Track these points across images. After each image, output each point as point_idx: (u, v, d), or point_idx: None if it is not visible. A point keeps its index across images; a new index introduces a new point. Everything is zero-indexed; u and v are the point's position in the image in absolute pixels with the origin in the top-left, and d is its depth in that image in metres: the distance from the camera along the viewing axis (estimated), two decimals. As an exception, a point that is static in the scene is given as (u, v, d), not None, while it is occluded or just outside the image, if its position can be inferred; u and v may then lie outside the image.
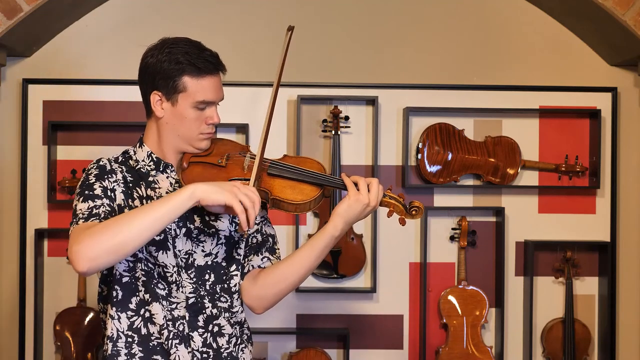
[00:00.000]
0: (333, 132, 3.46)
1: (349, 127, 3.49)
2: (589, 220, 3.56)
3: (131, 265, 1.98)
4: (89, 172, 1.99)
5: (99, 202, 1.91)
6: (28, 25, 3.22)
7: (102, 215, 1.87)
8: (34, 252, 3.40)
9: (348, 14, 3.59)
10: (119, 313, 1.98)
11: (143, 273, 1.97)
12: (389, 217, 2.09)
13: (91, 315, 3.42)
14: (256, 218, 2.11)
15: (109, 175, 1.97)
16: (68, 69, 3.50)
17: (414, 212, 2.07)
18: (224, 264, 2.04)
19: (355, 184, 2.03)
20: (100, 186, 1.94)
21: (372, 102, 3.51)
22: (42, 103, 3.47)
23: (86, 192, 1.93)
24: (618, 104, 3.55)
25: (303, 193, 2.02)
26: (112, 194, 1.95)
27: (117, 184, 1.97)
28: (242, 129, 3.47)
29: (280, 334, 3.49)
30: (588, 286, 3.58)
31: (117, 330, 1.98)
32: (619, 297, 3.55)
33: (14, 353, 3.44)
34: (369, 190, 2.01)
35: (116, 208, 1.94)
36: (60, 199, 3.45)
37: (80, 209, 1.89)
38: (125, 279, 1.98)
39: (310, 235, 3.49)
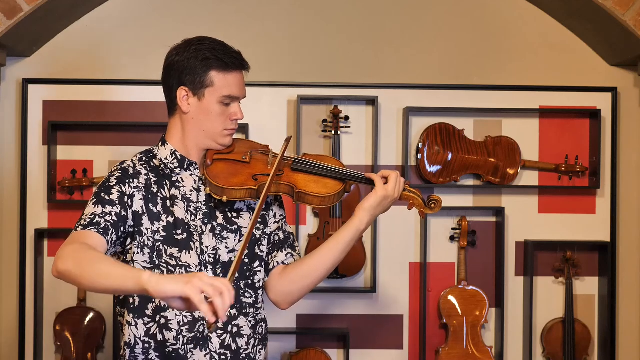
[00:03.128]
0: (333, 132, 3.46)
1: (349, 127, 3.49)
2: (589, 220, 3.56)
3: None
4: (112, 173, 2.02)
5: (108, 209, 1.93)
6: (28, 25, 3.22)
7: (102, 226, 1.90)
8: (34, 252, 3.40)
9: (348, 14, 3.59)
10: (135, 319, 2.01)
11: None
12: (409, 209, 2.17)
13: (91, 315, 3.42)
14: (275, 216, 2.15)
15: (131, 180, 2.00)
16: (68, 69, 3.50)
17: (432, 205, 2.16)
18: (246, 260, 2.08)
19: (384, 177, 2.10)
20: (118, 190, 1.97)
21: (372, 102, 3.51)
22: (42, 103, 3.47)
23: (102, 194, 1.96)
24: (618, 104, 3.55)
25: (327, 187, 2.08)
26: (130, 201, 1.98)
27: (138, 191, 2.00)
28: (242, 129, 3.47)
29: (280, 334, 3.49)
30: (588, 286, 3.58)
31: (135, 336, 2.01)
32: (619, 297, 3.55)
33: (14, 353, 3.44)
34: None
35: (129, 215, 1.97)
36: (60, 199, 3.45)
37: (86, 213, 1.93)
38: None
39: (310, 235, 3.49)
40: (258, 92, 3.47)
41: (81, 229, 1.89)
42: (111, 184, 1.99)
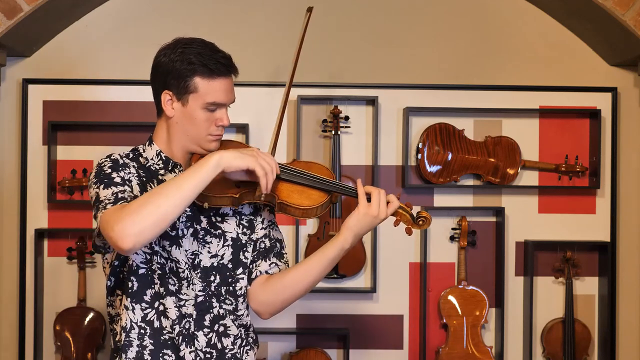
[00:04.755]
0: (333, 132, 3.46)
1: (349, 127, 3.49)
2: (589, 220, 3.56)
3: (148, 257, 1.98)
4: (103, 164, 1.98)
5: (121, 187, 1.91)
6: (28, 25, 3.22)
7: (129, 200, 1.87)
8: (34, 252, 3.40)
9: (348, 14, 3.59)
10: (133, 304, 1.98)
11: (159, 266, 1.98)
12: (395, 226, 2.10)
13: (91, 315, 3.42)
14: (263, 221, 2.13)
15: (123, 168, 1.97)
16: (68, 69, 3.50)
17: (421, 222, 2.08)
18: (230, 265, 2.04)
19: (368, 195, 2.03)
20: (118, 176, 1.94)
21: (372, 102, 3.51)
22: (42, 103, 3.47)
23: (105, 180, 1.92)
24: (618, 104, 3.55)
25: (310, 198, 2.02)
26: (130, 184, 1.94)
27: (132, 176, 1.97)
28: (242, 129, 3.47)
29: (280, 334, 3.49)
30: (588, 286, 3.58)
31: (131, 320, 1.98)
32: (619, 297, 3.55)
33: (14, 353, 3.44)
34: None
35: (135, 195, 1.93)
36: (60, 199, 3.45)
37: (105, 195, 1.88)
38: (142, 271, 1.98)
39: (310, 236, 3.49)
40: (258, 92, 3.48)
41: (111, 205, 1.85)
42: (107, 172, 1.95)
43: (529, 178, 3.57)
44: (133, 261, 1.98)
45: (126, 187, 1.92)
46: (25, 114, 3.44)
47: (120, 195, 1.88)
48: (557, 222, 3.56)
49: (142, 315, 1.99)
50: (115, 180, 1.93)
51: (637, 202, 3.59)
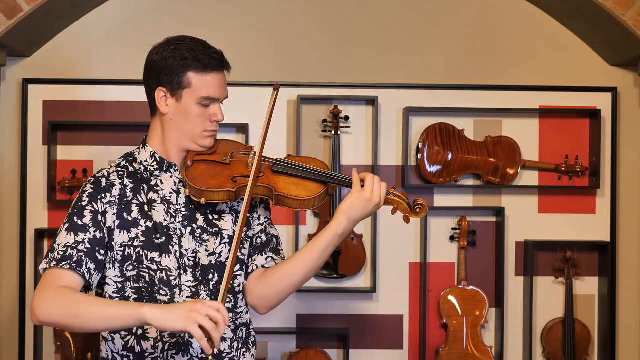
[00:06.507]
0: (333, 132, 3.46)
1: (349, 127, 3.49)
2: (589, 220, 3.56)
3: (120, 286, 1.98)
4: (85, 189, 2.01)
5: (80, 236, 1.92)
6: (28, 25, 3.22)
7: (75, 259, 1.89)
8: (34, 252, 3.40)
9: (348, 14, 3.59)
10: (112, 335, 1.99)
11: (133, 291, 1.97)
12: (393, 214, 2.10)
13: (91, 315, 3.42)
14: (260, 218, 2.13)
15: (103, 195, 1.99)
16: (68, 69, 3.50)
17: (418, 210, 2.09)
18: (227, 263, 2.04)
19: (362, 181, 2.03)
20: (90, 211, 1.96)
21: (372, 102, 3.51)
22: (42, 103, 3.46)
23: (75, 218, 1.95)
24: (618, 104, 3.55)
25: (307, 190, 2.03)
26: (103, 218, 1.96)
27: (110, 206, 1.98)
28: (242, 129, 3.47)
29: (280, 334, 3.49)
30: (588, 286, 3.58)
31: (112, 351, 1.99)
32: (619, 297, 3.55)
33: (14, 353, 3.44)
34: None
35: (105, 233, 1.96)
36: (60, 199, 3.45)
37: (59, 243, 1.92)
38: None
39: (310, 235, 3.49)
40: (258, 92, 3.47)
41: (54, 265, 1.89)
42: (83, 203, 1.97)
43: (529, 178, 3.57)
44: (106, 292, 1.99)
45: (87, 234, 1.93)
46: (25, 114, 3.44)
47: (69, 252, 1.90)
48: (557, 222, 3.56)
49: (123, 343, 1.98)
50: (84, 219, 1.94)
51: (637, 202, 3.59)
